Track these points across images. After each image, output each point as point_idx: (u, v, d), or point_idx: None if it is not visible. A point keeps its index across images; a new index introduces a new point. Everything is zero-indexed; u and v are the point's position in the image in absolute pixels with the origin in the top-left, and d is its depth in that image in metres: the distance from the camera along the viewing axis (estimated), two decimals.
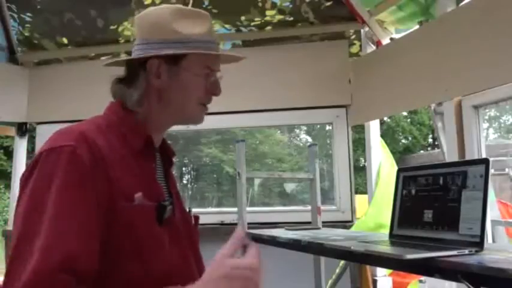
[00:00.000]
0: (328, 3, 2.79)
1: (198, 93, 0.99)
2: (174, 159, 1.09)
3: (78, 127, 0.89)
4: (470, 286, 0.88)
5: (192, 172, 14.03)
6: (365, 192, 2.97)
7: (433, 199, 1.22)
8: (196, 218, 1.10)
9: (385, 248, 1.19)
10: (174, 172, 1.11)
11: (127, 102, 0.97)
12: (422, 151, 20.44)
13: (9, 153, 12.93)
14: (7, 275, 0.74)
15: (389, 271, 2.46)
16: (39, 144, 3.09)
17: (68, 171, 0.80)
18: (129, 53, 1.08)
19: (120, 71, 1.03)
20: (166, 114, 0.99)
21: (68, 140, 0.83)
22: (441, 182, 1.21)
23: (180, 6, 1.03)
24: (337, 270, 2.45)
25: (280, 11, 2.87)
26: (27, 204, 0.78)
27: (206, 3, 2.85)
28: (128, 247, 0.83)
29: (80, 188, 0.80)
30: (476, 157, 1.95)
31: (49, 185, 0.78)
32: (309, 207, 2.26)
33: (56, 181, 0.79)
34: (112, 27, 3.07)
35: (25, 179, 0.82)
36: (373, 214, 2.54)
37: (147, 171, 0.94)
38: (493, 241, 2.15)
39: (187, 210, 1.09)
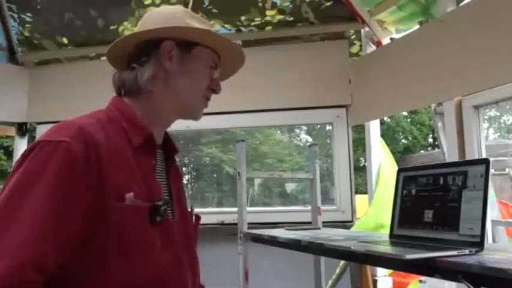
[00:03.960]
0: (328, 3, 2.79)
1: (204, 83, 1.02)
2: (176, 158, 1.09)
3: (78, 121, 0.87)
4: (470, 286, 0.88)
5: (192, 172, 14.05)
6: (365, 192, 2.97)
7: (433, 199, 1.22)
8: (198, 217, 1.09)
9: (386, 248, 1.19)
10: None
11: (139, 81, 0.97)
12: (422, 151, 20.44)
13: (9, 153, 12.93)
14: None
15: (390, 271, 2.46)
16: None
17: (59, 170, 0.79)
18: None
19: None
20: (170, 101, 0.99)
21: (65, 135, 0.82)
22: (441, 182, 1.21)
23: (188, 9, 1.08)
24: (337, 270, 2.45)
25: (280, 11, 2.87)
26: (11, 192, 0.77)
27: (206, 3, 2.85)
28: (116, 246, 0.82)
29: (69, 188, 0.79)
30: (476, 157, 1.95)
31: (37, 179, 0.77)
32: (309, 207, 2.26)
33: (45, 177, 0.78)
34: (112, 27, 3.07)
35: (17, 165, 0.81)
36: (373, 214, 2.54)
37: (146, 168, 0.93)
38: (493, 241, 2.15)
39: (190, 209, 1.08)
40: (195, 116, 1.05)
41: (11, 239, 0.73)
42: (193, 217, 1.08)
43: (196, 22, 1.02)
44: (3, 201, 0.77)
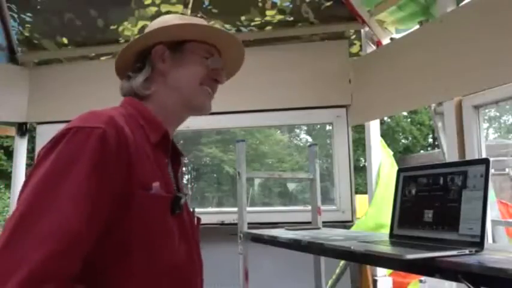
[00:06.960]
0: (328, 3, 2.79)
1: (199, 71, 1.04)
2: (185, 160, 1.11)
3: (106, 111, 0.89)
4: (470, 286, 0.88)
5: (192, 172, 14.04)
6: (365, 192, 2.97)
7: (433, 199, 1.22)
8: (199, 219, 1.11)
9: (386, 248, 1.19)
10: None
11: (134, 88, 1.00)
12: (422, 151, 20.43)
13: (9, 153, 12.92)
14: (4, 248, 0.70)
15: (390, 271, 2.46)
16: (39, 144, 3.09)
17: (94, 155, 0.79)
18: None
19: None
20: (173, 98, 1.02)
21: (99, 122, 0.83)
22: (441, 182, 1.21)
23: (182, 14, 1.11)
24: (337, 270, 2.45)
25: (280, 11, 2.87)
26: (47, 176, 0.76)
27: (206, 3, 2.85)
28: (139, 235, 0.84)
29: (103, 174, 0.79)
30: (476, 157, 1.95)
31: (73, 164, 0.78)
32: (309, 207, 2.26)
33: (81, 162, 0.78)
34: (112, 27, 3.07)
35: (47, 150, 0.80)
36: (373, 214, 2.54)
37: (162, 164, 0.96)
38: (493, 241, 2.15)
39: (192, 210, 1.09)
40: (201, 108, 1.06)
41: (46, 227, 0.72)
42: (195, 219, 1.10)
43: (186, 22, 1.05)
44: (39, 185, 0.76)
